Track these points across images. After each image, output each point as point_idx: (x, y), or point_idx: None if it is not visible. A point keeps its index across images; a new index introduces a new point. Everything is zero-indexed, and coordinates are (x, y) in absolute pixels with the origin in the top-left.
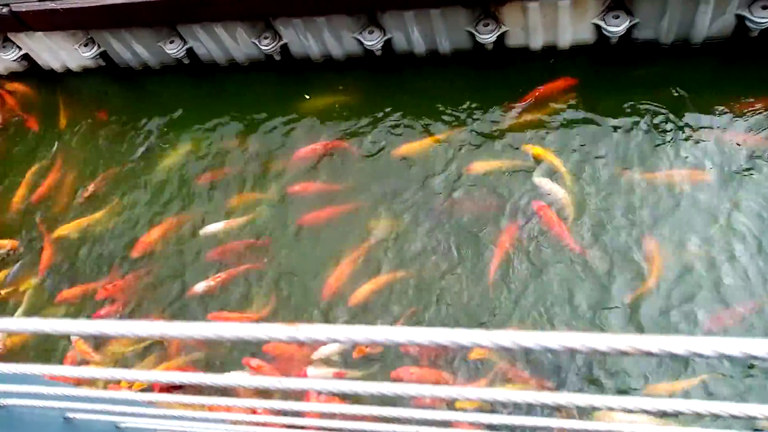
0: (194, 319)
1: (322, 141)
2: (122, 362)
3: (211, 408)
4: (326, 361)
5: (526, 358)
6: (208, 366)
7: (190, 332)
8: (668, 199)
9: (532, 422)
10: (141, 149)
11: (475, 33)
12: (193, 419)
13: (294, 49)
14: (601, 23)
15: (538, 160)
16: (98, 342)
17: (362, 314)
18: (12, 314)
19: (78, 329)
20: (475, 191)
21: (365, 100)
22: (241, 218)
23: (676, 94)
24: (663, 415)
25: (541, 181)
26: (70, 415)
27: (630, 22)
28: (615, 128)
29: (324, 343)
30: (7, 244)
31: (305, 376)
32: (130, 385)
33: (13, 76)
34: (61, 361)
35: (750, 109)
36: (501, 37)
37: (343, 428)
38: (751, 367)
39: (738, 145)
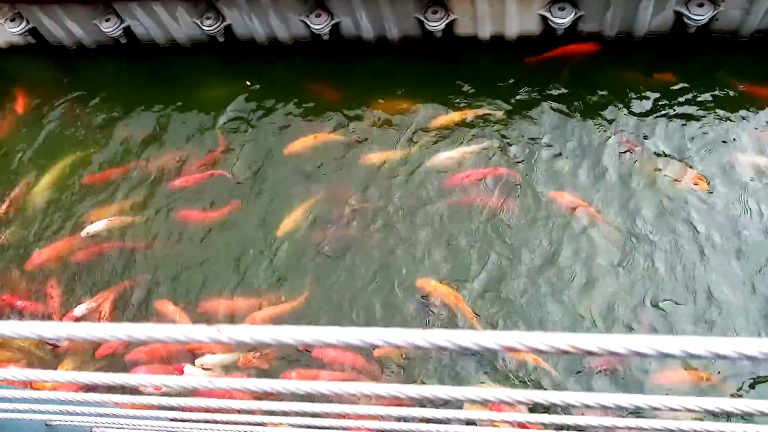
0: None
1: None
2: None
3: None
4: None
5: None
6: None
7: (100, 334)
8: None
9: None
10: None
11: (424, 20)
12: (170, 420)
13: (238, 31)
14: (548, 14)
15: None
16: None
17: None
18: None
19: None
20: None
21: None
22: (126, 217)
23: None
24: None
25: None
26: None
27: (575, 14)
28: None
29: (248, 345)
30: None
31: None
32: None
33: None
34: None
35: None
36: (450, 26)
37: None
38: None
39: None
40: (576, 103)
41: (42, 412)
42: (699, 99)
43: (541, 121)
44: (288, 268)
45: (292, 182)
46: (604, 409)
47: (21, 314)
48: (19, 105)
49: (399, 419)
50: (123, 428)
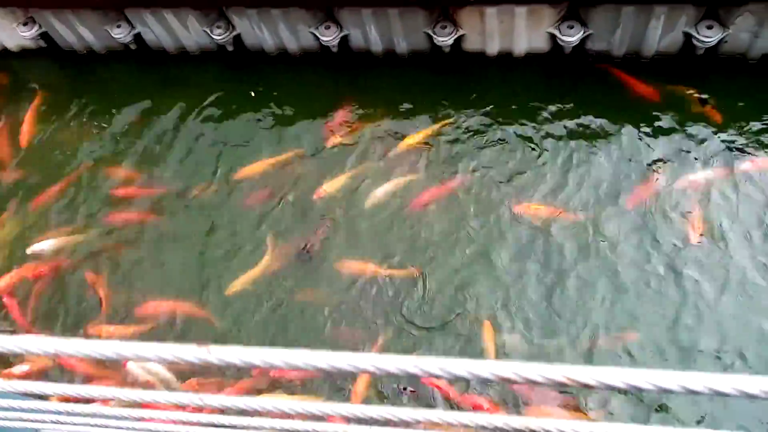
0: None
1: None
2: None
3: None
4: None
5: None
6: None
7: (87, 350)
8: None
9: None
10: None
11: (433, 35)
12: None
13: (248, 41)
14: (556, 32)
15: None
16: None
17: None
18: None
19: None
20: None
21: (320, 96)
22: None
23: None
24: None
25: None
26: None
27: (584, 33)
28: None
29: (237, 366)
30: None
31: None
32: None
33: None
34: None
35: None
36: (458, 41)
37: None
38: None
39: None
40: (577, 124)
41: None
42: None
43: (536, 138)
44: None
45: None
46: None
47: None
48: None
49: None
50: None
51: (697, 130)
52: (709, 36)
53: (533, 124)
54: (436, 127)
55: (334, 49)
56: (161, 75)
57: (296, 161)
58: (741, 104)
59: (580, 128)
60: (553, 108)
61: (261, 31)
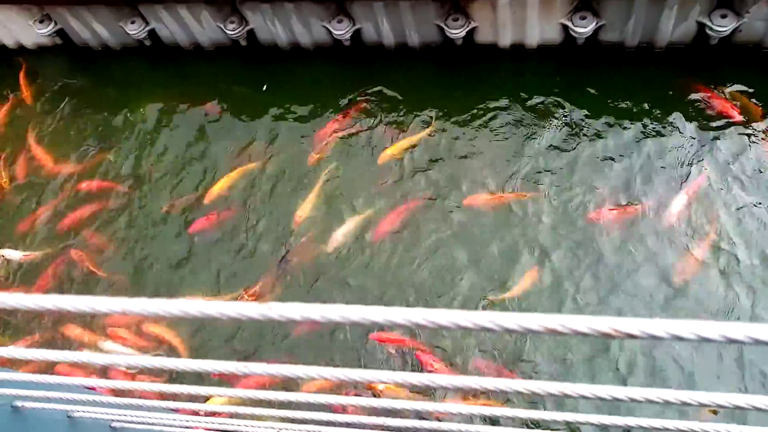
0: None
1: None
2: None
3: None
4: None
5: None
6: None
7: (154, 309)
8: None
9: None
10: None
11: (445, 27)
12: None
13: (261, 36)
14: (569, 23)
15: None
16: None
17: None
18: None
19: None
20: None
21: (333, 90)
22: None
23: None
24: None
25: None
26: (20, 403)
27: (597, 23)
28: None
29: (297, 321)
30: None
31: None
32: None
33: None
34: None
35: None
36: (470, 33)
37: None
38: None
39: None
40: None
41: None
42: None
43: (544, 131)
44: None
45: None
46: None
47: None
48: (38, 101)
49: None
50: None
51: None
52: (723, 25)
53: (546, 117)
54: (423, 133)
55: (347, 43)
56: (176, 70)
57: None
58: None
59: (594, 119)
60: (565, 100)
61: (274, 26)
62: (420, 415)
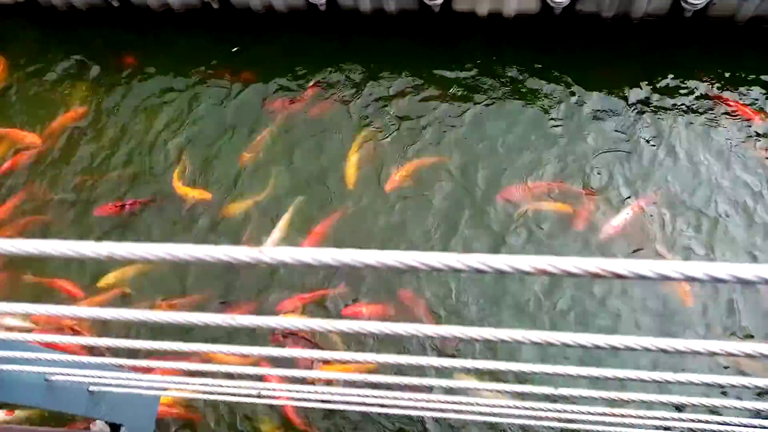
0: None
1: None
2: None
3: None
4: None
5: None
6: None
7: (141, 253)
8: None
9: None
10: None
11: None
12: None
13: None
14: None
15: None
16: None
17: None
18: None
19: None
20: None
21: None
22: None
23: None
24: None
25: None
26: (50, 377)
27: None
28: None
29: (290, 265)
30: None
31: None
32: None
33: None
34: None
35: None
36: (448, 1)
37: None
38: None
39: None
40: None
41: (41, 364)
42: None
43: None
44: None
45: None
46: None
47: None
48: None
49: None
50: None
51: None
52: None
53: (521, 87)
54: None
55: (322, 8)
56: (145, 33)
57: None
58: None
59: (569, 91)
60: (542, 70)
61: None
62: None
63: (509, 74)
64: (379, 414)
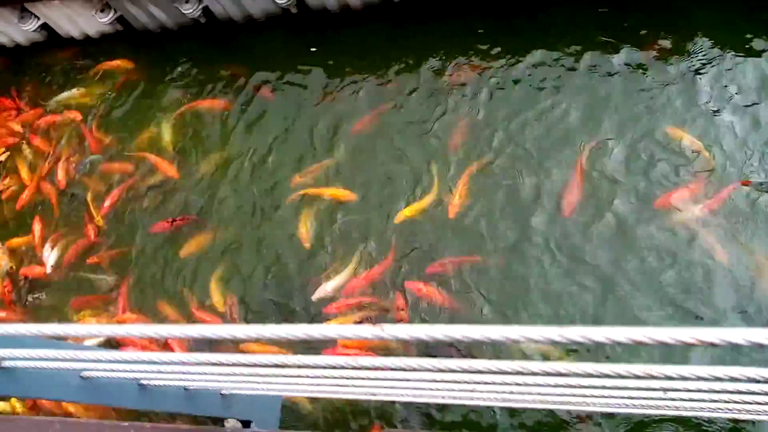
0: None
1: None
2: None
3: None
4: None
5: None
6: None
7: (266, 333)
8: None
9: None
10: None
11: None
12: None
13: (310, 2)
14: None
15: None
16: None
17: None
18: None
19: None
20: None
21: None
22: None
23: None
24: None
25: None
26: (189, 387)
27: None
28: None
29: (407, 340)
30: None
31: None
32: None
33: (36, 46)
34: None
35: None
36: None
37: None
38: None
39: None
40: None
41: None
42: None
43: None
44: None
45: None
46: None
47: None
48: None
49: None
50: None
51: None
52: None
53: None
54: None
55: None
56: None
57: None
58: None
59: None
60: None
61: None
62: None
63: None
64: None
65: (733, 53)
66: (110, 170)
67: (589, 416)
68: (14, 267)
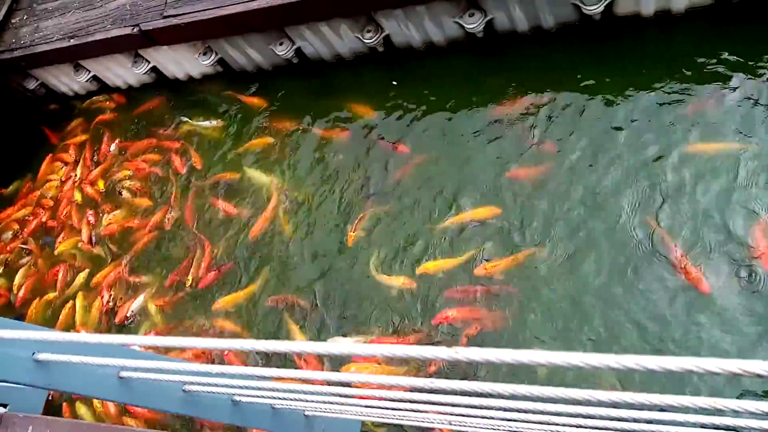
0: None
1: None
2: None
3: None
4: None
5: None
6: None
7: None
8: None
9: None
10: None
11: (581, 4)
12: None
13: (396, 39)
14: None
15: None
16: None
17: None
18: None
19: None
20: None
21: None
22: None
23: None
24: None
25: None
26: (275, 406)
27: None
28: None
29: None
30: None
31: None
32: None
33: (144, 87)
34: None
35: None
36: (609, 6)
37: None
38: None
39: None
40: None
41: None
42: None
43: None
44: None
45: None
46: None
47: None
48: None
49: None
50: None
51: None
52: None
53: (706, 85)
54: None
55: (480, 35)
56: (322, 83)
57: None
58: None
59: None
60: (723, 64)
61: (408, 29)
62: None
63: (688, 72)
64: None
65: None
66: None
67: None
68: None
